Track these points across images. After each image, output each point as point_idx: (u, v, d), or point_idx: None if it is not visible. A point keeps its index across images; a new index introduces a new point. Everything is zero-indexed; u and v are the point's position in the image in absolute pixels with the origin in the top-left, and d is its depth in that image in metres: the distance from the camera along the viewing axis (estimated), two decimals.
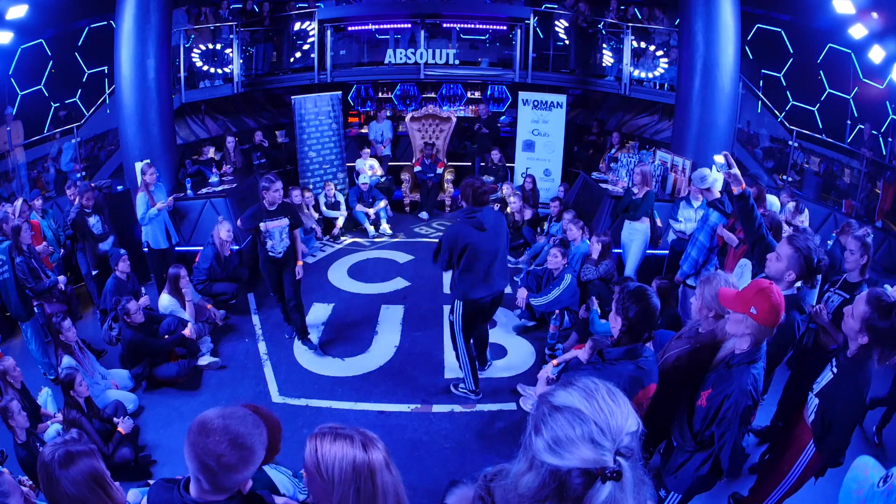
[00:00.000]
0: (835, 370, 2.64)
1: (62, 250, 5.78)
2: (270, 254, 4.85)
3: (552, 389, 1.02)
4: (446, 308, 5.80)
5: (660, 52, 8.58)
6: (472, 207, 3.98)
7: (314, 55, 9.01)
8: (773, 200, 5.31)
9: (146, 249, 5.85)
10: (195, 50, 8.56)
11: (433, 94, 10.02)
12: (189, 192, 6.51)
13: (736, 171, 3.15)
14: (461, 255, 3.94)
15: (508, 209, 7.35)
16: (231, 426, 1.45)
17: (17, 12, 5.77)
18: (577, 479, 0.92)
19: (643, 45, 8.73)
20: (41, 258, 5.00)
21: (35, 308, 4.81)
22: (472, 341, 4.34)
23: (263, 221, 4.74)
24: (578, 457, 0.92)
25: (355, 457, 1.38)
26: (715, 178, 4.46)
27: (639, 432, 0.97)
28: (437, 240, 7.68)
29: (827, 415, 2.54)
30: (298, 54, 9.45)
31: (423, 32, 9.13)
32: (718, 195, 4.50)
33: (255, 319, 5.73)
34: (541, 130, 8.48)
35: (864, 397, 2.51)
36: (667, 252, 5.67)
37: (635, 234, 5.66)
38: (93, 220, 5.45)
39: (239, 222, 5.03)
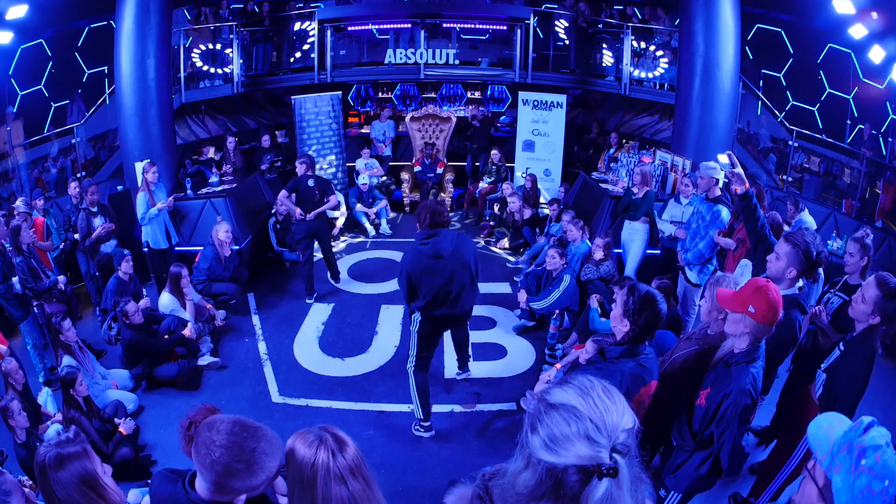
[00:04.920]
0: (842, 348, 2.79)
1: (63, 245, 5.77)
2: None
3: (548, 387, 1.02)
4: None
5: (660, 52, 8.58)
6: (426, 231, 3.64)
7: (314, 55, 9.01)
8: (809, 221, 5.25)
9: (146, 249, 5.85)
10: (195, 50, 8.56)
11: (433, 94, 10.03)
12: (189, 192, 6.51)
13: (739, 170, 3.17)
14: (418, 285, 3.66)
15: (508, 209, 7.36)
16: (236, 431, 1.44)
17: (17, 12, 5.77)
18: (574, 477, 0.92)
19: (643, 45, 8.74)
20: (40, 255, 5.02)
21: (35, 308, 4.82)
22: (426, 372, 3.98)
23: None
24: (574, 454, 0.92)
25: (304, 456, 1.39)
26: (716, 174, 4.47)
27: (635, 429, 0.97)
28: None
29: (834, 387, 2.70)
30: (298, 54, 9.46)
31: (423, 32, 9.13)
32: (718, 192, 4.50)
33: (255, 319, 5.73)
34: (541, 130, 8.48)
35: (868, 371, 2.67)
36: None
37: (635, 234, 5.67)
38: (98, 222, 5.44)
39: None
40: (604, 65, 9.22)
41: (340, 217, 7.75)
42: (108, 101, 7.24)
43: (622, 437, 0.94)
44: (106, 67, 7.00)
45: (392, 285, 6.32)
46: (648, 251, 5.77)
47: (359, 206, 7.81)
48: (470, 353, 4.60)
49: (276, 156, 8.12)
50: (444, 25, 9.43)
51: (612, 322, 2.39)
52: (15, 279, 4.49)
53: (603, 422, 0.94)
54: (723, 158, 3.21)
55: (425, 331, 3.85)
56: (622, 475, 0.92)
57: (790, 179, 7.29)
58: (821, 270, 3.61)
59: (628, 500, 0.93)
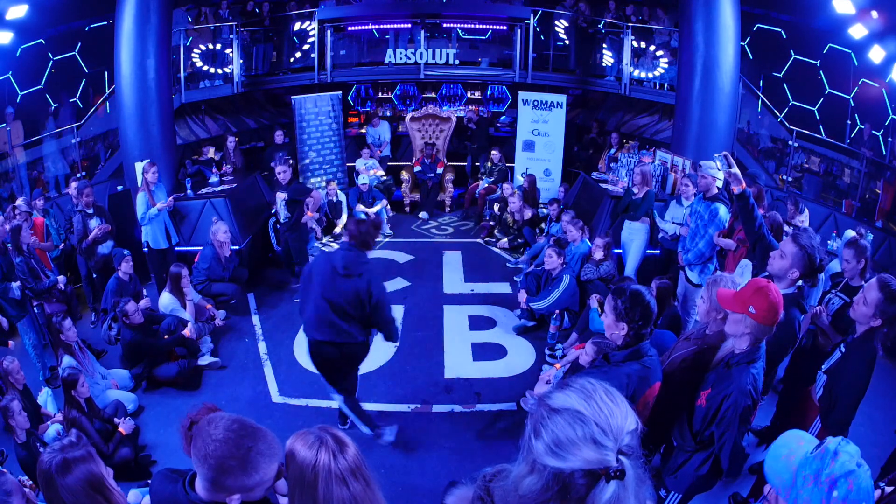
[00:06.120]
0: (843, 350, 2.77)
1: (62, 245, 5.77)
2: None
3: (549, 392, 1.02)
4: (446, 308, 5.82)
5: (660, 52, 8.58)
6: (358, 253, 3.51)
7: (314, 55, 9.02)
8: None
9: (146, 249, 5.85)
10: (195, 50, 8.56)
11: (433, 94, 10.03)
12: (189, 192, 6.51)
13: (736, 170, 3.18)
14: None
15: (508, 209, 7.37)
16: (234, 428, 1.44)
17: (17, 12, 5.78)
18: (581, 480, 0.92)
19: (643, 45, 8.74)
20: (40, 255, 5.02)
21: (35, 308, 4.81)
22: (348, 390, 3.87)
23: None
24: (581, 458, 0.92)
25: (304, 457, 1.39)
26: (716, 174, 4.47)
27: (638, 430, 0.97)
28: (444, 238, 7.68)
29: (834, 389, 2.68)
30: (298, 54, 9.46)
31: (423, 32, 9.13)
32: (716, 191, 4.50)
33: (255, 319, 5.73)
34: (541, 130, 8.48)
35: (869, 374, 2.65)
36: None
37: (635, 234, 5.67)
38: (94, 223, 5.42)
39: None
40: (604, 65, 9.23)
41: (342, 217, 7.75)
42: (107, 104, 7.24)
43: (627, 438, 0.94)
44: (106, 67, 7.02)
45: (392, 285, 6.32)
46: (648, 251, 5.77)
47: (359, 206, 7.80)
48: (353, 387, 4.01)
49: (288, 153, 8.11)
50: (444, 25, 9.43)
51: (608, 330, 2.37)
52: (15, 284, 4.48)
53: (608, 424, 0.94)
54: (707, 164, 3.21)
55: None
56: (628, 477, 0.92)
57: (790, 179, 7.29)
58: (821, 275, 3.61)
59: (632, 501, 0.93)
